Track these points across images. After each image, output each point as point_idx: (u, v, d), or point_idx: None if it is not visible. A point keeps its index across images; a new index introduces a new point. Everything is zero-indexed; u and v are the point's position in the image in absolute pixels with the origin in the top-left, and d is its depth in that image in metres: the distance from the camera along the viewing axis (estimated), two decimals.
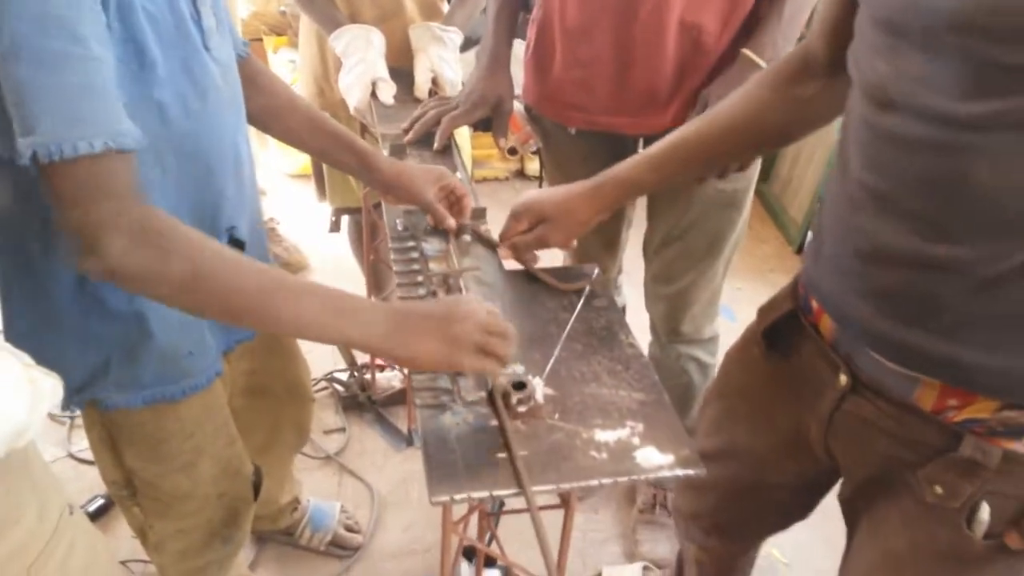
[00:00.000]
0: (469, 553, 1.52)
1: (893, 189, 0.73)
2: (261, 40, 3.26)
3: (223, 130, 0.96)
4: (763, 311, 1.01)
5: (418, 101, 1.57)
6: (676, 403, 0.93)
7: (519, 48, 1.49)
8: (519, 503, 0.78)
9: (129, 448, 1.07)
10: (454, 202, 1.19)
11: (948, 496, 0.80)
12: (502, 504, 1.47)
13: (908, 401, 0.81)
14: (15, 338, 0.94)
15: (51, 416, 2.10)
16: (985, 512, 0.79)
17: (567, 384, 0.92)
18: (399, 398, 2.15)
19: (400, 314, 0.84)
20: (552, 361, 0.95)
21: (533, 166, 3.32)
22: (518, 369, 0.92)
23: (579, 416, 0.87)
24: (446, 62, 1.62)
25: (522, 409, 0.87)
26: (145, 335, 0.95)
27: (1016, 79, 0.61)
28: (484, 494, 0.78)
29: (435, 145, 1.42)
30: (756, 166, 1.43)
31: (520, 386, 0.88)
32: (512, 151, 3.35)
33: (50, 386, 0.74)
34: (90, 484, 1.85)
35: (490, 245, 1.17)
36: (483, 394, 0.89)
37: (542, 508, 0.79)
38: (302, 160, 3.06)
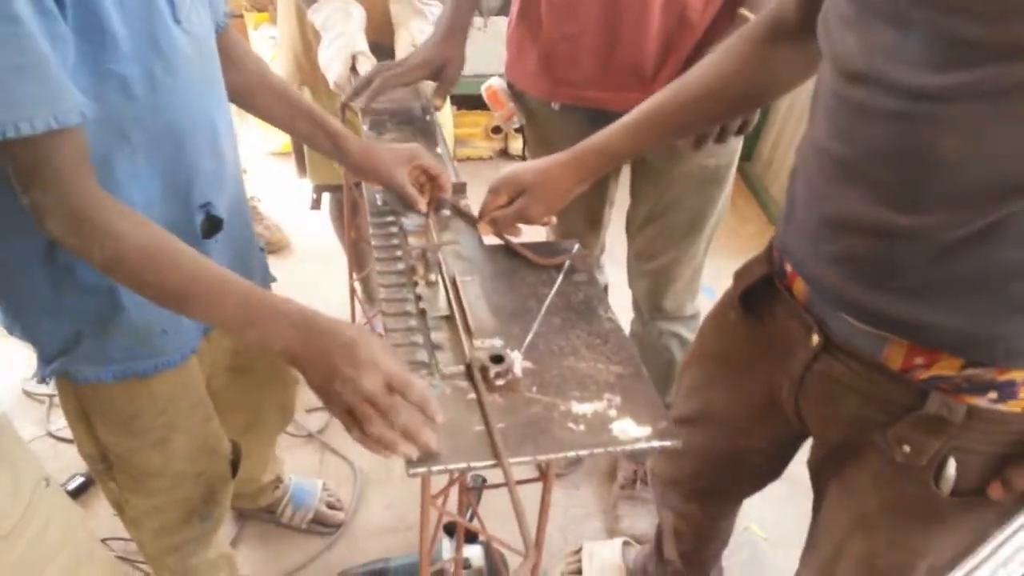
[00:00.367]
0: (450, 529, 1.53)
1: (860, 159, 0.73)
2: (242, 16, 3.22)
3: (196, 105, 0.94)
4: (739, 275, 1.02)
5: None
6: (658, 379, 0.93)
7: (502, 24, 1.47)
8: (500, 479, 0.78)
9: (101, 421, 1.06)
10: (427, 181, 1.18)
11: (915, 454, 0.81)
12: (484, 481, 1.48)
13: (877, 360, 0.82)
14: None
15: (30, 395, 2.08)
16: (952, 468, 0.81)
17: (545, 357, 0.92)
18: None
19: (305, 330, 0.79)
20: (531, 335, 0.95)
21: (516, 145, 3.31)
22: (496, 343, 0.92)
23: (557, 389, 0.87)
24: (427, 36, 1.60)
25: (500, 382, 0.87)
26: (117, 308, 0.94)
27: (982, 52, 0.61)
28: (461, 465, 0.78)
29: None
30: (738, 141, 1.43)
31: (498, 359, 0.88)
32: (496, 130, 3.35)
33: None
34: (69, 463, 1.85)
35: (470, 220, 1.16)
36: (461, 367, 0.89)
37: (520, 482, 0.79)
38: (282, 138, 3.03)
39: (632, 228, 1.59)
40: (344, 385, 0.75)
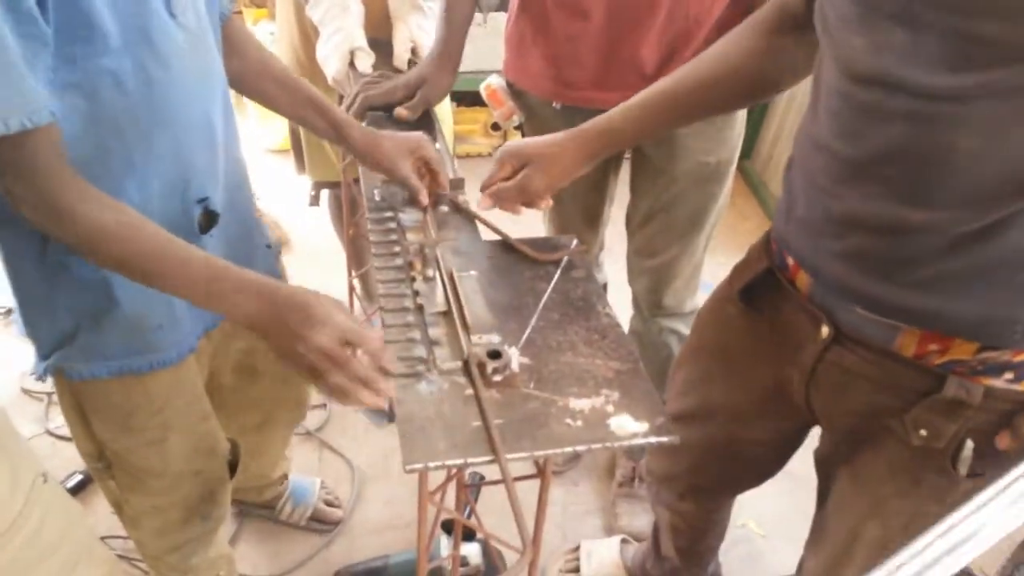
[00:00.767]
0: (448, 526, 1.53)
1: (871, 159, 0.73)
2: (241, 12, 3.22)
3: (191, 100, 0.93)
4: (738, 269, 1.02)
5: (397, 71, 1.55)
6: (657, 376, 0.93)
7: (501, 20, 1.46)
8: (498, 476, 0.78)
9: (97, 419, 1.06)
10: (426, 174, 1.17)
11: (933, 437, 0.81)
12: (482, 478, 1.48)
13: (890, 348, 0.82)
14: None
15: (28, 392, 2.08)
16: (969, 449, 0.81)
17: (543, 353, 0.92)
18: None
19: (269, 300, 0.82)
20: (528, 331, 0.94)
21: None
22: (494, 339, 0.92)
23: (554, 385, 0.87)
24: (425, 31, 1.59)
25: (497, 378, 0.86)
26: (111, 302, 0.94)
27: (997, 51, 0.61)
28: (459, 461, 0.78)
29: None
30: (738, 138, 1.43)
31: (496, 355, 0.87)
32: (495, 127, 3.34)
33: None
34: (68, 461, 1.84)
35: (468, 216, 1.16)
36: (459, 363, 0.89)
37: (518, 479, 0.79)
38: (281, 135, 3.03)
39: (632, 225, 1.59)
40: (304, 344, 0.79)
